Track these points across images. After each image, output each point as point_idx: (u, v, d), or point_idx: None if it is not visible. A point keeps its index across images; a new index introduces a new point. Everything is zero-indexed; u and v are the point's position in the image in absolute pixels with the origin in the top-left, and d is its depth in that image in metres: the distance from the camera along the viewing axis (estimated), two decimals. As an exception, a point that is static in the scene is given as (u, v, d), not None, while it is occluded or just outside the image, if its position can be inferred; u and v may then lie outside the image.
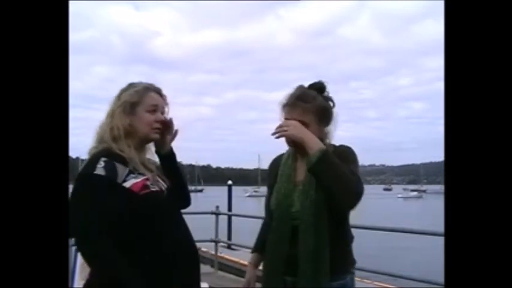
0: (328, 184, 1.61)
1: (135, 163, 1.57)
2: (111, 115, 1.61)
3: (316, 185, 1.70)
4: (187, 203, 1.82)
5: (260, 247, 1.94)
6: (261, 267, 1.90)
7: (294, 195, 1.76)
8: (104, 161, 1.51)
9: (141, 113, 1.62)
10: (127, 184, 1.52)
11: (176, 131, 1.73)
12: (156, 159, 1.76)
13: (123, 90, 1.65)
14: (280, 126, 1.68)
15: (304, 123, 1.70)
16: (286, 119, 1.75)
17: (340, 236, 1.75)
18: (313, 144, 1.61)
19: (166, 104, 1.72)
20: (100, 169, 1.49)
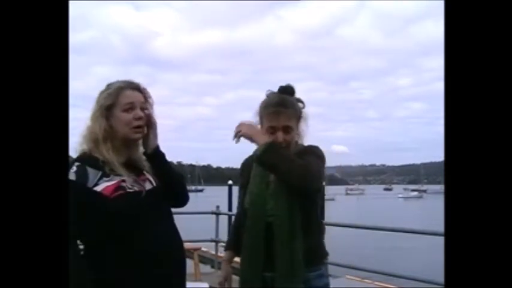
0: (275, 171, 1.73)
1: (114, 165, 1.58)
2: (91, 119, 1.63)
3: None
4: (178, 202, 1.80)
5: (233, 245, 2.03)
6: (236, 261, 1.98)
7: (267, 193, 1.84)
8: (77, 166, 1.56)
9: (117, 113, 1.61)
10: (98, 188, 1.55)
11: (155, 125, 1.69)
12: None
13: (101, 93, 1.65)
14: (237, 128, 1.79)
15: (289, 128, 1.82)
16: (270, 127, 1.83)
17: (313, 229, 1.84)
18: (261, 140, 1.73)
19: (149, 97, 1.69)
20: (72, 174, 1.54)
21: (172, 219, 1.72)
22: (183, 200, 1.81)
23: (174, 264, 1.67)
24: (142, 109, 1.64)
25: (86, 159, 1.58)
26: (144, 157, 1.73)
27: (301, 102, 1.92)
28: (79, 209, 1.50)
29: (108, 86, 1.66)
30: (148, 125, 1.67)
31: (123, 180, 1.59)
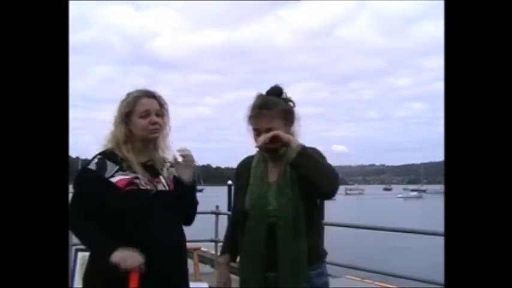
0: (310, 173, 1.76)
1: (132, 164, 1.76)
2: (114, 124, 1.82)
3: (290, 184, 1.82)
4: (185, 221, 1.91)
5: (229, 249, 2.02)
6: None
7: (269, 194, 1.85)
8: (98, 158, 1.77)
9: (135, 120, 1.80)
10: (114, 179, 1.73)
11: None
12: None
13: (121, 101, 1.84)
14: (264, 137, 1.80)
15: (272, 130, 1.81)
16: (254, 129, 1.85)
17: (313, 229, 1.86)
18: (293, 143, 1.79)
19: (163, 103, 1.86)
20: (93, 165, 1.76)
21: (179, 222, 1.84)
22: (189, 221, 1.94)
23: (174, 264, 1.75)
24: (158, 115, 1.82)
25: (107, 154, 1.78)
26: (164, 162, 1.87)
27: (291, 101, 1.92)
28: (90, 194, 1.71)
29: (128, 95, 1.84)
30: (189, 163, 1.83)
31: (137, 177, 1.75)
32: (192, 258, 6.29)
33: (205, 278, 5.84)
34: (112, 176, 1.73)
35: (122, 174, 1.74)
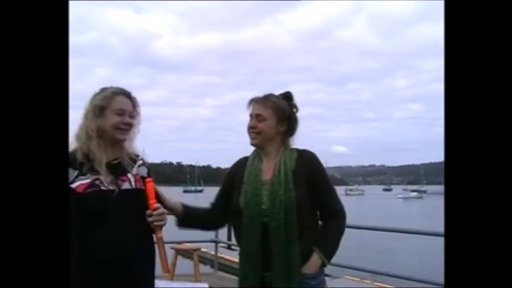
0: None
1: (100, 161, 1.73)
2: (85, 117, 1.79)
3: (284, 184, 1.82)
4: None
5: (190, 209, 2.01)
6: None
7: (263, 193, 1.85)
8: None
9: (109, 115, 1.77)
10: (73, 185, 1.68)
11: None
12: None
13: (96, 95, 1.82)
14: None
15: (260, 116, 1.90)
16: (249, 115, 1.94)
17: (310, 230, 1.85)
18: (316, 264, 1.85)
19: (137, 105, 1.86)
20: None
21: (141, 221, 1.76)
22: None
23: (128, 265, 1.71)
24: (130, 117, 1.81)
25: (70, 158, 1.69)
26: (135, 158, 1.84)
27: (295, 107, 1.97)
28: None
29: (103, 89, 1.82)
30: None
31: (98, 179, 1.71)
32: (192, 258, 6.29)
33: (205, 279, 5.85)
34: (71, 182, 1.68)
35: (80, 180, 1.70)
